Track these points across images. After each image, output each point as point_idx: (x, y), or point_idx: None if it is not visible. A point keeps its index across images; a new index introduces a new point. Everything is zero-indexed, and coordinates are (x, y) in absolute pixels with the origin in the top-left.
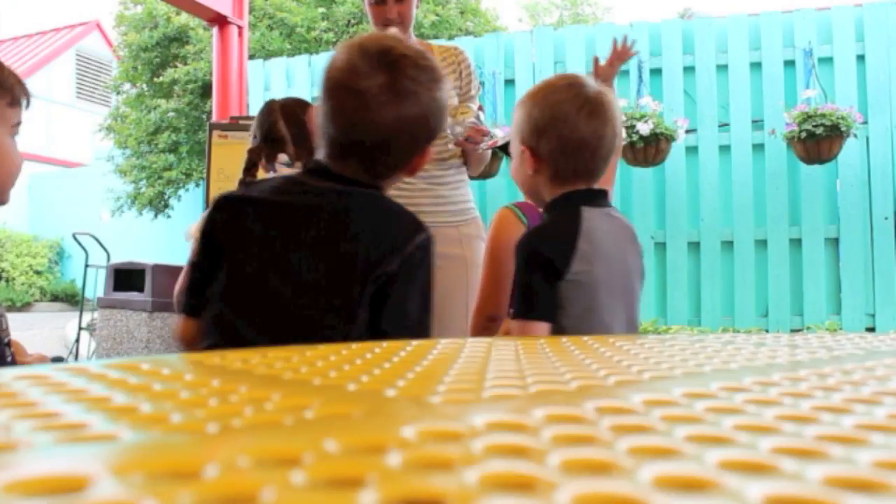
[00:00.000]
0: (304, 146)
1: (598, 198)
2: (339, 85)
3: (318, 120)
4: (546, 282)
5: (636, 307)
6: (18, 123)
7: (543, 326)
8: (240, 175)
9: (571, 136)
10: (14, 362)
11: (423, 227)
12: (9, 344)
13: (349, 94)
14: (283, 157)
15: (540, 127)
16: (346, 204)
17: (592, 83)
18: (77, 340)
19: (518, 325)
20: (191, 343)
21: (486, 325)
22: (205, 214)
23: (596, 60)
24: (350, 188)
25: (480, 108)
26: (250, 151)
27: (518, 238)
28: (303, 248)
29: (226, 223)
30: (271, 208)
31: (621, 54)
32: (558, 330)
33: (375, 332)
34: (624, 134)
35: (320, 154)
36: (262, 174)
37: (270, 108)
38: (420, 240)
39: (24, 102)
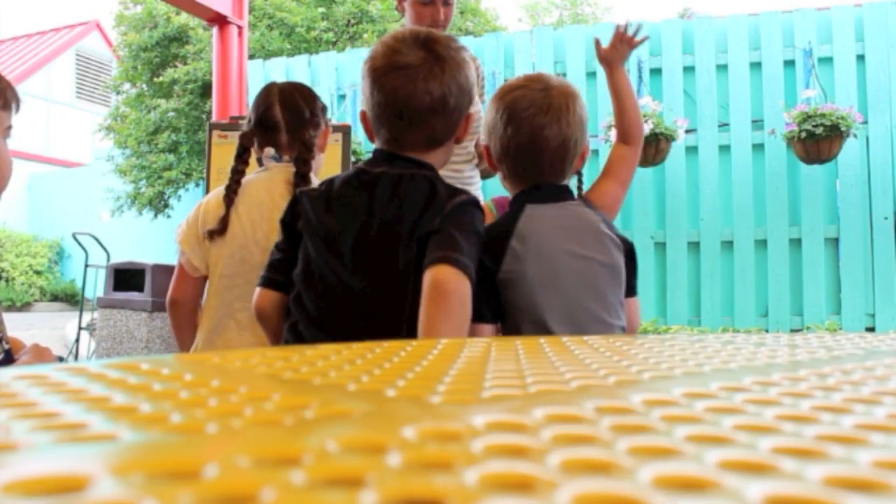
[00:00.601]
0: (297, 136)
1: (553, 194)
2: (385, 67)
3: (370, 114)
4: (482, 282)
5: (603, 303)
6: (10, 127)
7: (485, 328)
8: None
9: (514, 137)
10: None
11: (463, 191)
12: (2, 340)
13: (396, 72)
14: (269, 151)
15: (490, 128)
16: (396, 186)
17: (552, 81)
18: (77, 340)
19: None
20: (266, 315)
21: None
22: (190, 216)
23: (597, 42)
24: (403, 171)
25: None
26: (241, 136)
27: None
28: (359, 232)
29: (297, 215)
30: (333, 199)
31: (628, 40)
32: (507, 330)
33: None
34: None
35: (379, 144)
36: (253, 167)
37: (268, 90)
38: (459, 199)
39: (14, 106)
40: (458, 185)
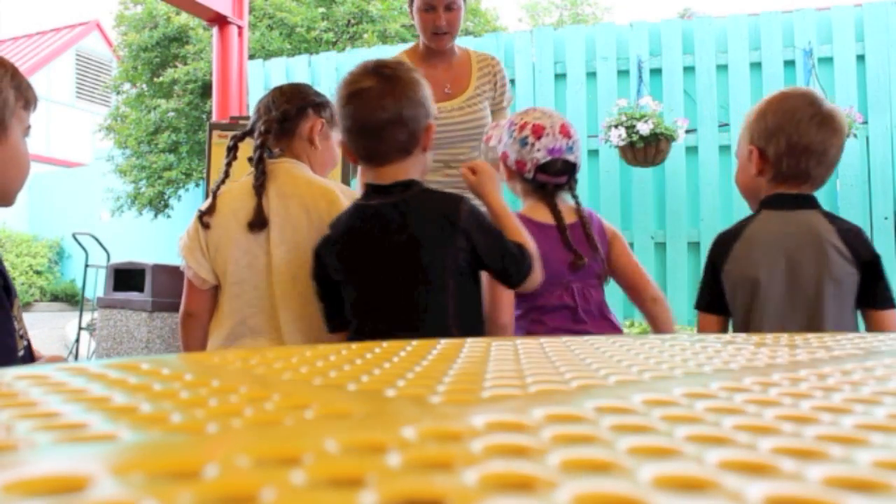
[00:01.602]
0: (281, 131)
1: (796, 202)
2: (347, 96)
3: (346, 139)
4: (709, 277)
5: (820, 310)
6: (29, 126)
7: (709, 318)
8: (244, 167)
9: (799, 141)
10: (31, 359)
11: (458, 198)
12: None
13: (355, 98)
14: (277, 152)
15: (771, 130)
16: (400, 213)
17: (825, 100)
18: (77, 340)
19: (697, 315)
20: None
21: (495, 333)
22: (190, 227)
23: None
24: (398, 197)
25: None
26: (231, 137)
27: None
28: (385, 261)
29: (330, 265)
30: (354, 239)
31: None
32: (736, 326)
33: (501, 277)
34: (624, 134)
35: (365, 174)
36: (241, 168)
37: (270, 95)
38: (464, 207)
39: (32, 107)
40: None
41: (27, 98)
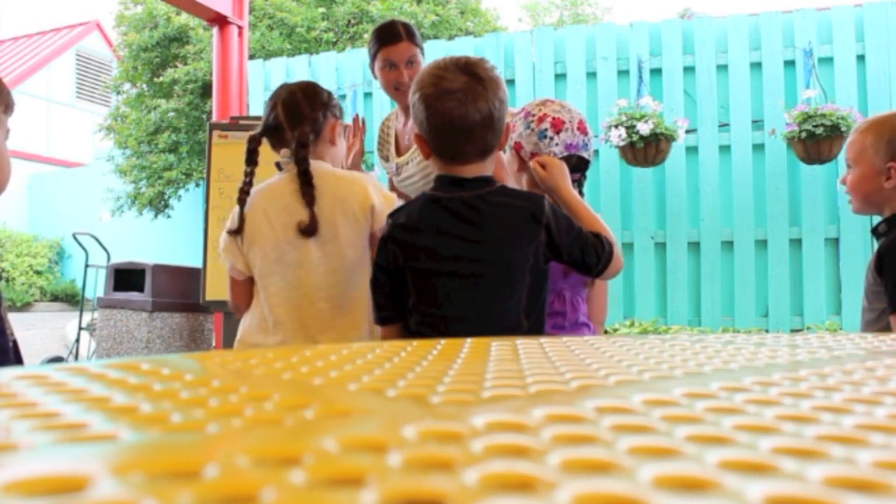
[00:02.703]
0: (296, 133)
1: None
2: (436, 93)
3: (427, 136)
4: None
5: None
6: (9, 130)
7: None
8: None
9: None
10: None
11: (538, 196)
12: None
13: (447, 96)
14: (284, 153)
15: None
16: (483, 206)
17: None
18: (77, 340)
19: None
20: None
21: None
22: (227, 224)
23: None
24: (479, 191)
25: None
26: (249, 139)
27: None
28: (464, 252)
29: (395, 254)
30: (434, 228)
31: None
32: None
33: (583, 269)
34: (624, 134)
35: (438, 167)
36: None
37: (274, 94)
38: (546, 203)
39: (10, 110)
40: None
41: (7, 103)
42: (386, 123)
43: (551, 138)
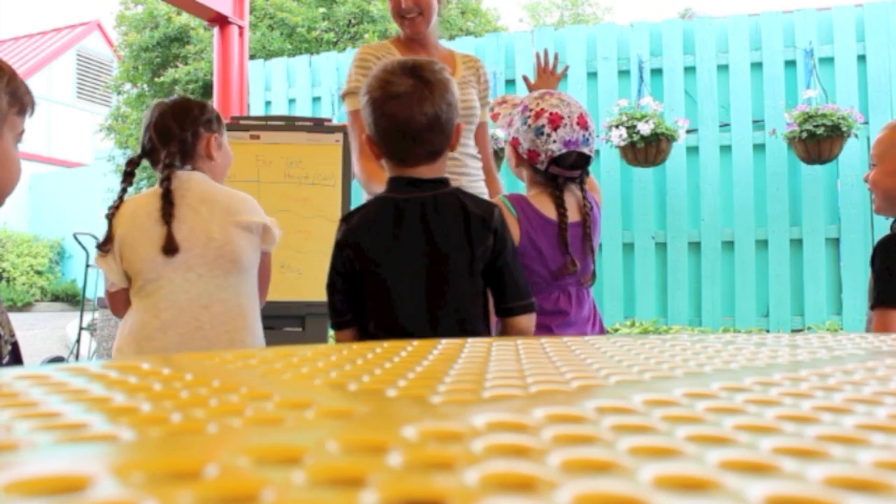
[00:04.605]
0: (166, 150)
1: None
2: (383, 97)
3: (376, 138)
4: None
5: None
6: (23, 132)
7: None
8: (243, 167)
9: None
10: (18, 362)
11: (488, 203)
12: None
13: (393, 100)
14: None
15: None
16: (434, 208)
17: None
18: (78, 340)
19: (879, 313)
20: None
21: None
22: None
23: (526, 79)
24: (432, 192)
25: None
26: (128, 162)
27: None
28: (426, 251)
29: (351, 259)
30: (386, 230)
31: (551, 71)
32: None
33: (503, 303)
34: (625, 134)
35: (389, 169)
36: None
37: (149, 113)
38: (496, 210)
39: (29, 111)
40: (471, 179)
41: (23, 103)
42: (373, 53)
43: (549, 135)
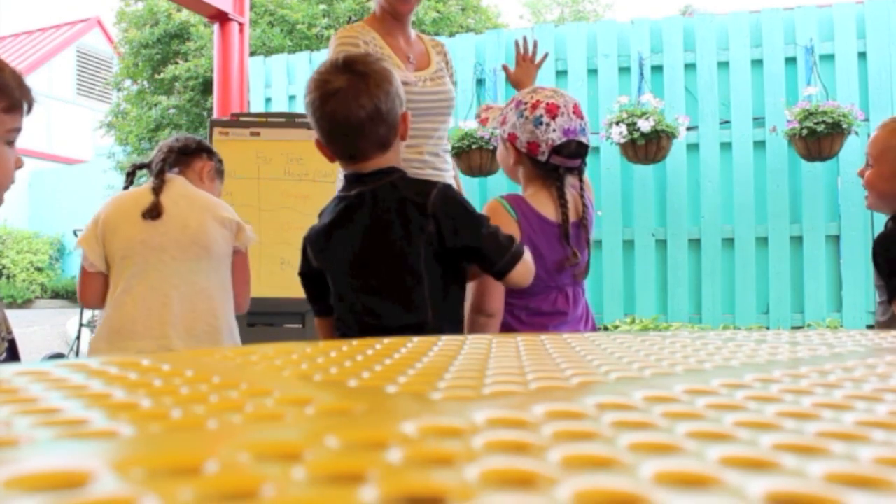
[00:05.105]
0: (178, 159)
1: None
2: (321, 97)
3: (323, 139)
4: None
5: None
6: (17, 129)
7: None
8: (244, 164)
9: None
10: (14, 353)
11: (431, 184)
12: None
13: (330, 98)
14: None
15: None
16: (374, 200)
17: None
18: (78, 337)
19: None
20: (324, 335)
21: (480, 322)
22: (90, 223)
23: (505, 67)
24: (372, 185)
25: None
26: (133, 165)
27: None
28: (365, 245)
29: (314, 255)
30: (333, 229)
31: (530, 59)
32: None
33: (490, 270)
34: (625, 131)
35: (343, 167)
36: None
37: (172, 138)
38: (435, 191)
39: (25, 107)
40: (430, 173)
41: (12, 100)
42: (357, 35)
43: (548, 124)
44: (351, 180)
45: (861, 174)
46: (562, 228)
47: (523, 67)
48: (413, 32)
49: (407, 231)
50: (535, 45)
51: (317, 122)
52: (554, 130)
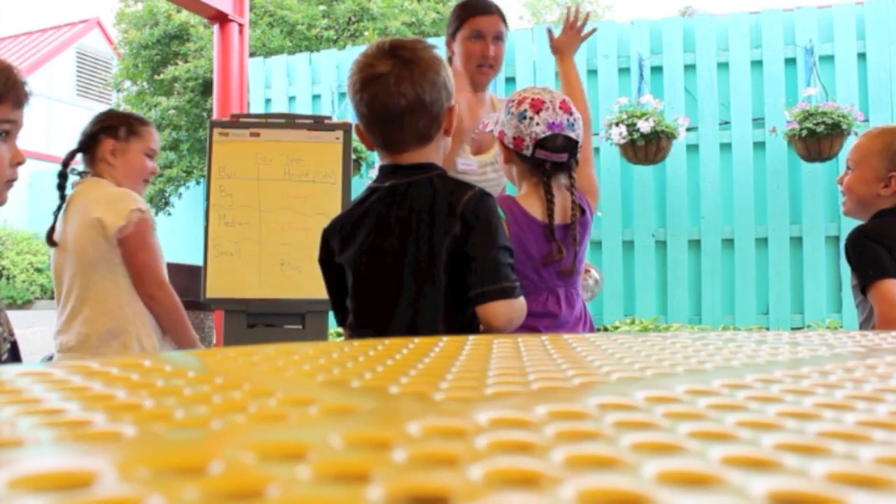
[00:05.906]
0: (85, 158)
1: None
2: (363, 81)
3: (362, 125)
4: (883, 252)
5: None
6: (9, 121)
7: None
8: (244, 165)
9: None
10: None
11: (466, 185)
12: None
13: (372, 83)
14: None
15: None
16: (404, 195)
17: None
18: None
19: (882, 284)
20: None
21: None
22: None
23: (549, 32)
24: (407, 179)
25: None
26: (65, 164)
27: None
28: (388, 241)
29: (330, 251)
30: (359, 219)
31: (578, 29)
32: None
33: (469, 290)
34: (625, 131)
35: (381, 157)
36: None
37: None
38: (467, 197)
39: (15, 99)
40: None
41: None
42: None
43: (531, 118)
44: (385, 171)
45: (840, 181)
46: (548, 218)
47: (568, 35)
48: (488, 96)
49: (432, 232)
50: (585, 17)
51: (355, 107)
52: (538, 124)
